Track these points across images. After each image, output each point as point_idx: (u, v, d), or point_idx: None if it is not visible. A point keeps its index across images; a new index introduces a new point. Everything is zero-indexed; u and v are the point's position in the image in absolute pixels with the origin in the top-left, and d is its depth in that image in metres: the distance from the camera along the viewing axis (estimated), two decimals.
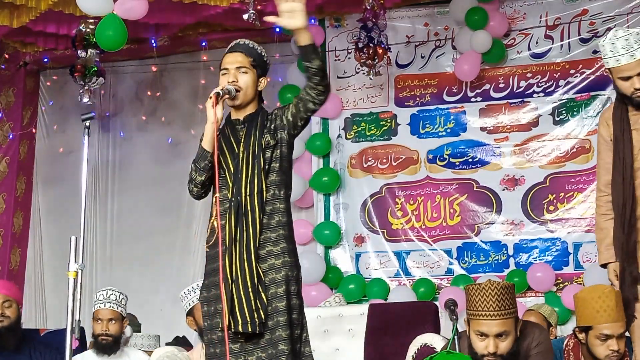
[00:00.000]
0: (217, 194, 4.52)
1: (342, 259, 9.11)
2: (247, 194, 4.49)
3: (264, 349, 4.40)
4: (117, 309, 6.17)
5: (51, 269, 10.05)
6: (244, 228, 4.46)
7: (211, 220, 4.56)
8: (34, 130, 10.30)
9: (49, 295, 10.04)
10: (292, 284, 4.48)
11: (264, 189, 4.51)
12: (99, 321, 6.13)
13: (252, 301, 4.37)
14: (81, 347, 6.34)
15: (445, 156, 8.94)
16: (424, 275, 8.81)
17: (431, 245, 8.86)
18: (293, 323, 4.45)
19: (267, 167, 4.54)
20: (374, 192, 9.09)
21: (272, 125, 4.61)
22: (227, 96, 4.56)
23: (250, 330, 4.36)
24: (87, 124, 4.55)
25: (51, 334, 6.91)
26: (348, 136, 9.23)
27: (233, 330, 4.38)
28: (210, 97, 4.50)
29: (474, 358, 4.60)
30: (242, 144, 4.60)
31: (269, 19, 4.54)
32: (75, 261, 4.69)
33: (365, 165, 9.16)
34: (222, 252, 4.45)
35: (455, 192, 8.87)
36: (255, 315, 4.36)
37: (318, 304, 8.12)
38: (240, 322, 4.36)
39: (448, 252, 8.81)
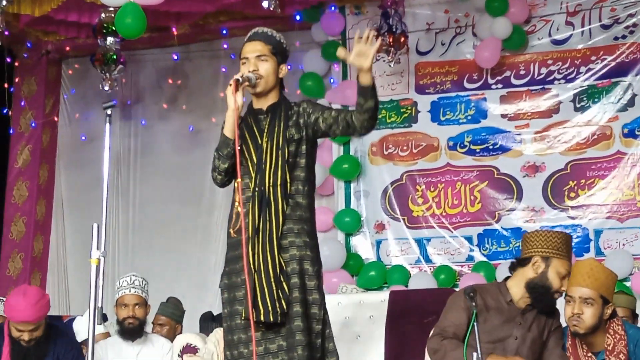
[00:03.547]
0: (239, 179, 4.54)
1: (363, 246, 9.13)
2: (271, 184, 4.50)
3: (285, 338, 4.42)
4: (142, 294, 6.21)
5: (74, 256, 10.11)
6: (267, 218, 4.47)
7: (235, 206, 4.56)
8: (56, 119, 10.36)
9: (71, 282, 10.10)
10: (312, 279, 4.49)
11: (288, 181, 4.52)
12: (125, 306, 6.17)
13: (275, 291, 4.39)
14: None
15: (465, 143, 8.93)
16: (444, 262, 8.82)
17: (452, 232, 8.86)
18: (312, 317, 4.46)
19: (291, 160, 4.55)
20: (394, 180, 9.10)
21: (300, 120, 4.61)
22: (246, 83, 4.56)
23: (272, 319, 4.37)
24: (109, 112, 4.57)
25: (73, 321, 6.97)
26: None
27: (255, 320, 4.39)
28: (230, 84, 4.51)
29: (539, 293, 4.73)
30: (265, 134, 4.60)
31: (340, 53, 4.58)
32: (97, 248, 4.72)
33: (385, 153, 9.16)
34: (245, 241, 4.47)
35: (475, 179, 8.87)
36: (277, 305, 4.37)
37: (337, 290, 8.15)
38: (262, 311, 4.38)
39: (469, 239, 8.81)
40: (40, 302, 5.46)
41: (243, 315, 4.45)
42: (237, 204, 4.53)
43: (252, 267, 4.43)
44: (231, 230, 4.58)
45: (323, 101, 9.06)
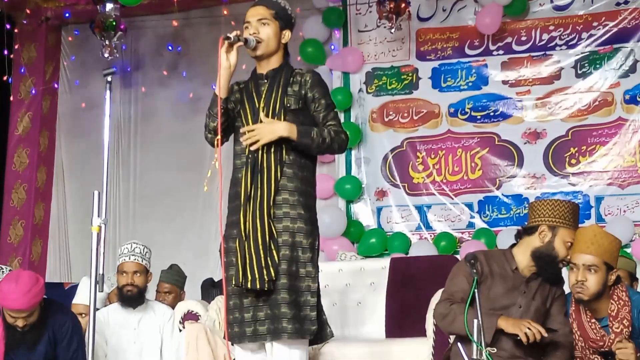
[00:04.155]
0: (219, 136, 4.55)
1: (364, 213, 9.13)
2: (264, 150, 4.48)
3: (271, 307, 4.40)
4: (142, 262, 6.21)
5: (75, 223, 10.11)
6: (259, 185, 4.45)
7: (213, 164, 4.56)
8: (56, 86, 10.33)
9: (72, 249, 10.11)
10: (306, 252, 4.46)
11: (284, 148, 4.50)
12: (124, 274, 6.18)
13: (262, 259, 4.36)
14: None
15: (466, 110, 8.92)
16: (445, 229, 8.83)
17: (452, 199, 8.86)
18: (305, 289, 4.44)
19: None
20: (395, 147, 9.09)
21: (302, 92, 4.58)
22: (240, 43, 4.52)
23: (258, 287, 4.35)
24: (109, 79, 4.56)
25: (75, 288, 6.97)
26: (369, 90, 9.22)
27: (243, 287, 4.39)
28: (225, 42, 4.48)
29: (545, 262, 4.74)
30: (262, 99, 4.58)
31: None
32: (98, 216, 4.73)
33: (386, 120, 9.15)
34: (235, 206, 4.46)
35: (476, 145, 8.86)
36: (265, 272, 4.35)
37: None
38: (249, 278, 4.36)
39: (469, 206, 8.82)
40: (33, 289, 5.28)
41: (233, 281, 4.44)
42: (214, 161, 4.53)
43: (243, 233, 4.41)
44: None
45: (324, 69, 9.03)
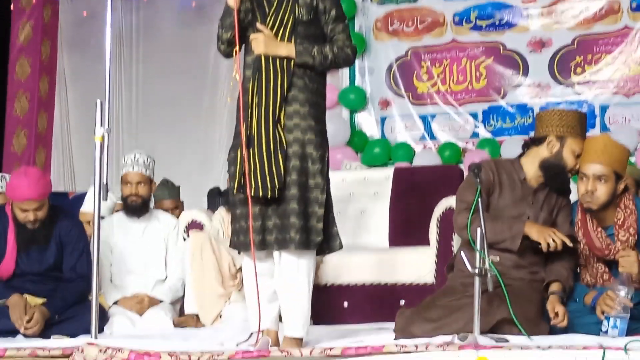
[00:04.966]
0: (237, 48, 4.50)
1: (368, 122, 9.12)
2: (271, 58, 4.43)
3: (279, 217, 4.38)
4: (146, 172, 6.20)
5: (78, 132, 10.11)
6: (266, 92, 4.42)
7: (233, 75, 4.53)
8: None
9: (76, 159, 10.13)
10: (315, 163, 4.43)
11: (292, 59, 4.46)
12: (128, 184, 6.18)
13: (266, 166, 4.34)
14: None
15: (471, 18, 8.85)
16: (449, 138, 8.82)
17: (457, 108, 8.84)
18: (314, 200, 4.42)
19: (298, 40, 4.46)
20: (399, 56, 9.04)
21: (313, 2, 4.50)
22: None
23: (261, 194, 4.33)
24: None
25: (79, 197, 6.99)
26: None
27: (247, 194, 4.36)
28: None
29: (554, 172, 4.74)
30: (273, 9, 4.52)
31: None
32: (101, 125, 4.72)
33: (390, 29, 9.08)
34: (245, 115, 4.44)
35: (481, 54, 8.82)
36: (268, 180, 4.32)
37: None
38: (253, 186, 4.33)
39: (474, 115, 8.80)
40: (42, 180, 5.43)
41: (235, 189, 4.44)
42: (235, 72, 4.49)
43: (248, 140, 4.39)
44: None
45: None
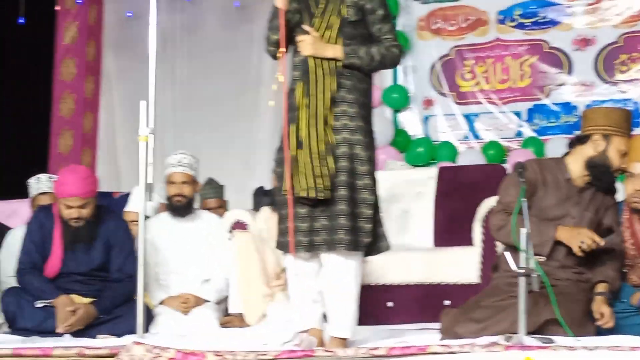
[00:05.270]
0: (283, 49, 4.51)
1: (411, 122, 9.11)
2: (318, 60, 4.44)
3: (329, 219, 4.38)
4: (190, 172, 6.23)
5: (123, 133, 10.17)
6: (313, 93, 4.43)
7: (276, 76, 4.54)
8: None
9: (121, 159, 10.19)
10: (364, 164, 4.42)
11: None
12: (173, 184, 6.22)
13: (313, 167, 4.34)
14: None
15: (515, 17, 8.81)
16: (493, 137, 8.79)
17: (500, 107, 8.80)
18: (363, 202, 4.41)
19: (347, 41, 4.46)
20: (442, 55, 9.02)
21: (361, 1, 4.50)
22: None
23: (309, 195, 4.33)
24: None
25: (124, 197, 7.04)
26: None
27: (297, 195, 4.37)
28: None
29: (599, 171, 4.70)
30: (320, 8, 4.52)
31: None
32: (146, 126, 4.75)
33: (433, 27, 9.07)
34: (292, 116, 4.44)
35: (525, 53, 8.77)
36: (317, 182, 4.32)
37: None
38: (301, 187, 4.34)
39: (518, 114, 8.76)
40: (89, 178, 5.49)
41: (283, 190, 4.45)
42: (279, 74, 4.50)
43: (297, 142, 4.40)
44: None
45: None
